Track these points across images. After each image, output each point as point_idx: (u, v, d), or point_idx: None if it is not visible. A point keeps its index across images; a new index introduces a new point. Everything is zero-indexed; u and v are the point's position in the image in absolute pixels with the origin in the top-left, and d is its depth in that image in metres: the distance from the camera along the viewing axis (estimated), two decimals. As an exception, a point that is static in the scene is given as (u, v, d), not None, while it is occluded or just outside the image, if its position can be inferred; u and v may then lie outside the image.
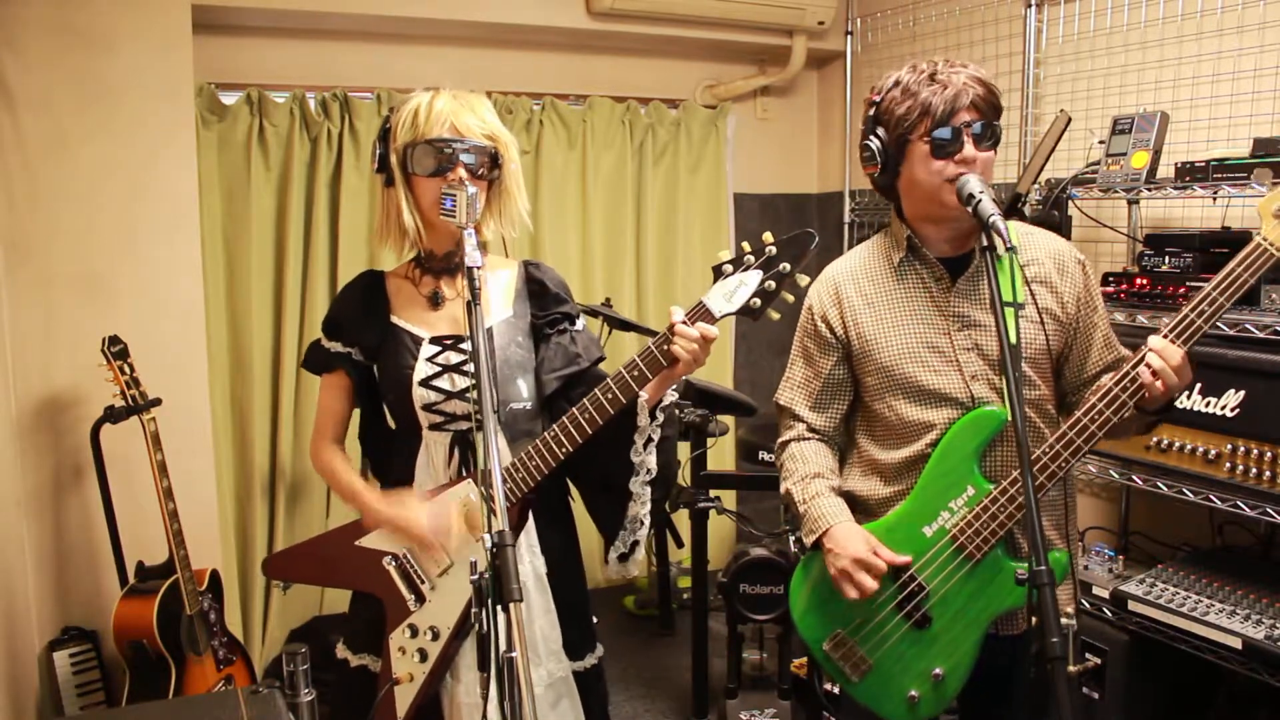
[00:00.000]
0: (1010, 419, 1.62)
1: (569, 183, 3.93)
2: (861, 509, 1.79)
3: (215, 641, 2.76)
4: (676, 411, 1.82)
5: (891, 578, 1.68)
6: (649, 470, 1.75)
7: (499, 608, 1.26)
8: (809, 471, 1.80)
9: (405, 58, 3.66)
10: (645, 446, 1.73)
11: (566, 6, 3.64)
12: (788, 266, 1.59)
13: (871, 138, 1.71)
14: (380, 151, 1.75)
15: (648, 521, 1.79)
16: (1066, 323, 1.72)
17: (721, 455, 3.92)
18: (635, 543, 1.80)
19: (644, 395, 1.70)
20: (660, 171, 4.13)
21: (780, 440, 1.89)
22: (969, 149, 1.61)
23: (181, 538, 2.65)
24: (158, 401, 2.70)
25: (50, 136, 2.80)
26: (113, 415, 2.67)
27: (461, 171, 1.69)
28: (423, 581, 1.76)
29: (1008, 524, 1.62)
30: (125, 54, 2.87)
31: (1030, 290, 1.65)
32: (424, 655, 1.74)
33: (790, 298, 1.62)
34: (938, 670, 1.68)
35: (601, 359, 1.87)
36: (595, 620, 1.96)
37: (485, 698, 1.31)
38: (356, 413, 1.94)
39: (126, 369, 2.66)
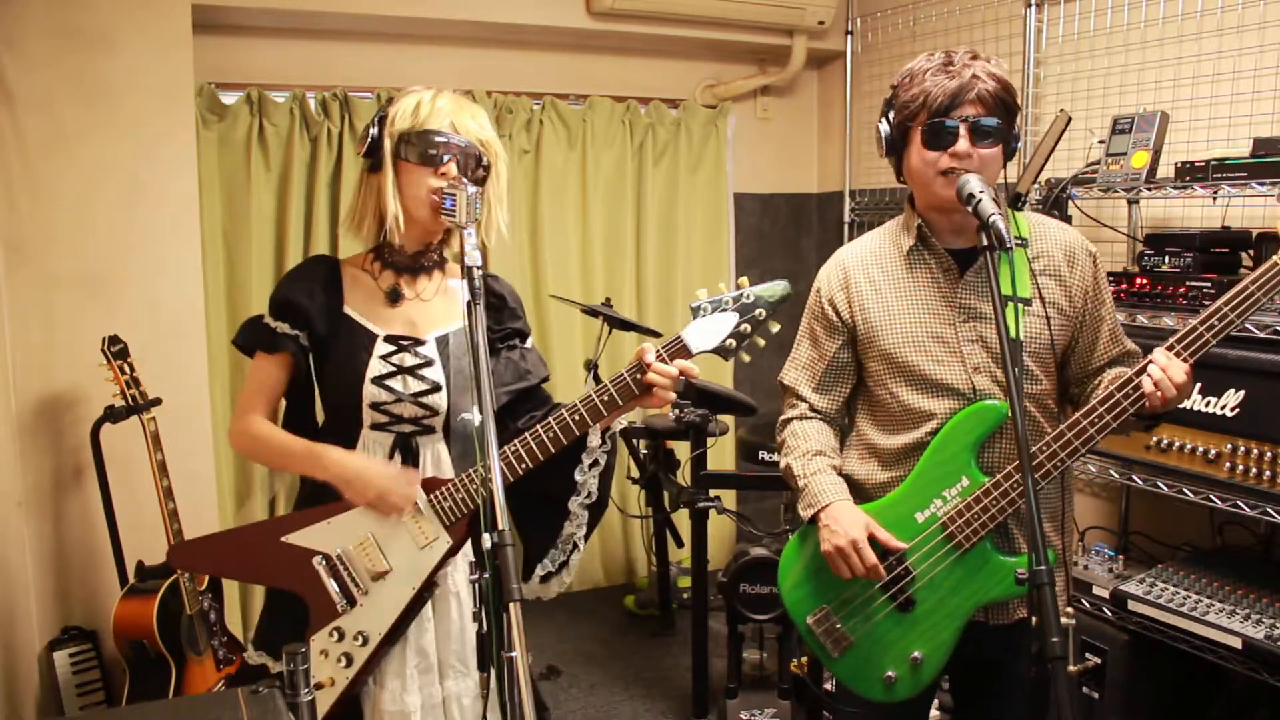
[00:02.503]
0: (1011, 415, 1.62)
1: (569, 183, 3.93)
2: (858, 492, 1.80)
3: (215, 641, 2.76)
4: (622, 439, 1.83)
5: (880, 559, 1.70)
6: (590, 493, 1.75)
7: (496, 608, 1.26)
8: (811, 448, 1.81)
9: (405, 58, 3.66)
10: (590, 468, 1.73)
11: (566, 6, 3.64)
12: (763, 313, 1.62)
13: (882, 121, 1.73)
14: (373, 136, 1.73)
15: (581, 546, 1.78)
16: (1073, 315, 1.73)
17: (721, 455, 3.92)
18: (564, 564, 1.79)
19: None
20: (660, 171, 4.13)
21: (782, 418, 1.91)
22: (963, 144, 1.61)
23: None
24: (158, 401, 2.71)
25: (50, 136, 2.81)
26: (113, 415, 2.67)
27: (453, 167, 1.68)
28: (356, 585, 1.71)
29: (999, 517, 1.63)
30: (125, 54, 2.87)
31: (1037, 285, 1.66)
32: (349, 660, 1.69)
33: (762, 342, 1.66)
34: (916, 654, 1.70)
35: (546, 379, 1.88)
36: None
37: (485, 697, 1.31)
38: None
39: (126, 369, 2.66)
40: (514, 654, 1.21)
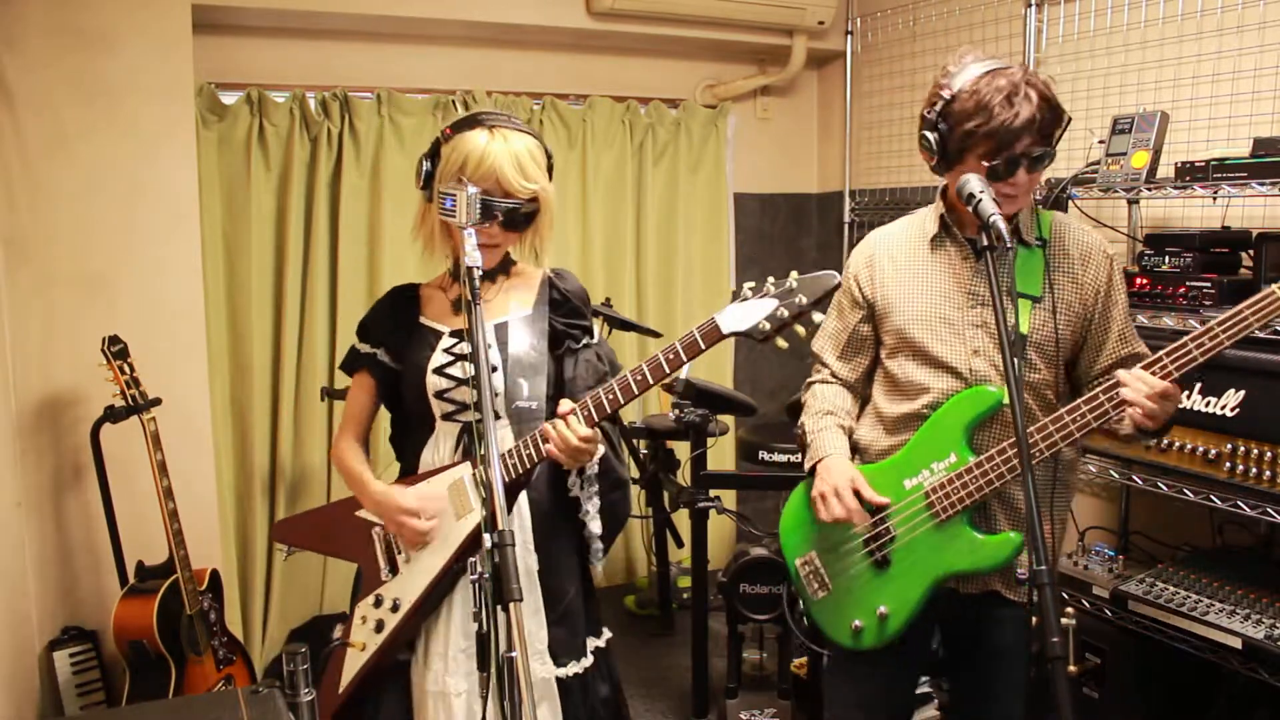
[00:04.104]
0: (1008, 401, 1.65)
1: (569, 183, 3.92)
2: (863, 456, 1.94)
3: (215, 641, 2.76)
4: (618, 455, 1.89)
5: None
6: (588, 511, 1.84)
7: (499, 607, 1.26)
8: (823, 409, 1.96)
9: (405, 58, 3.66)
10: (588, 502, 1.82)
11: (566, 6, 3.64)
12: (804, 300, 1.60)
13: (933, 131, 1.74)
14: (426, 170, 1.79)
15: (604, 551, 1.94)
16: (1082, 312, 1.79)
17: (721, 455, 3.92)
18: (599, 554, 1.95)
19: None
20: (660, 171, 4.13)
21: (807, 380, 2.07)
22: (1021, 176, 1.69)
23: (181, 537, 2.65)
24: (158, 401, 2.71)
25: (50, 136, 2.80)
26: (113, 415, 2.67)
27: (496, 229, 1.74)
28: (399, 553, 1.81)
29: (975, 495, 1.72)
30: (125, 54, 2.87)
31: (1050, 282, 1.74)
32: (380, 626, 1.77)
33: (802, 331, 1.63)
34: (882, 609, 1.82)
35: (618, 369, 1.93)
36: (606, 633, 2.02)
37: (485, 698, 1.31)
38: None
39: (126, 369, 2.66)
40: (514, 654, 1.21)
